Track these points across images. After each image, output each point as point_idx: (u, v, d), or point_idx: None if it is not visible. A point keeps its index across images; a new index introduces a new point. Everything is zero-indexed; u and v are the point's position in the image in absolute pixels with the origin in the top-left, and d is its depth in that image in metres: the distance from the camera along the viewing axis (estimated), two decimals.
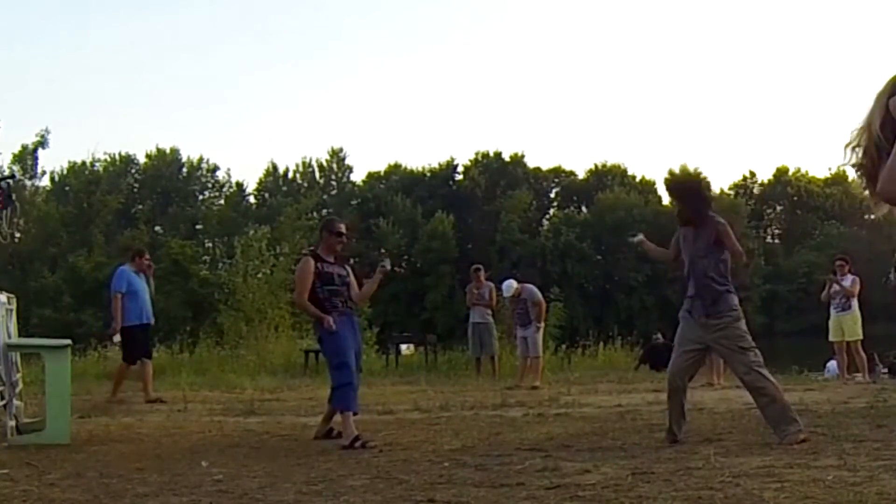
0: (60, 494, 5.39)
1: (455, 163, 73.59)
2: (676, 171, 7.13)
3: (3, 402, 7.79)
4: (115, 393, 11.92)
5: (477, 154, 73.22)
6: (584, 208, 72.14)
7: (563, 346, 20.92)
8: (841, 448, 6.11)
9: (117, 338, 11.96)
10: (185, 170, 72.66)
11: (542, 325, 14.37)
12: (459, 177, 73.47)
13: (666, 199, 72.57)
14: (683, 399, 6.89)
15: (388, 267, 8.21)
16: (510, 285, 14.22)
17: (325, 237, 8.17)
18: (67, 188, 59.04)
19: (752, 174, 78.10)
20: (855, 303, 14.37)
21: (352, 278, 8.21)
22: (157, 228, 64.15)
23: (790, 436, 6.36)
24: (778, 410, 6.56)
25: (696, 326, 6.86)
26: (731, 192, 74.56)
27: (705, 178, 7.13)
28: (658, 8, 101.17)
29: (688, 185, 7.07)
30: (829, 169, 77.07)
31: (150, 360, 12.24)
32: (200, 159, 72.75)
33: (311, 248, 8.14)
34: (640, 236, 7.86)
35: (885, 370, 18.99)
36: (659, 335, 23.14)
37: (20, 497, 5.35)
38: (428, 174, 73.13)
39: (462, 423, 8.69)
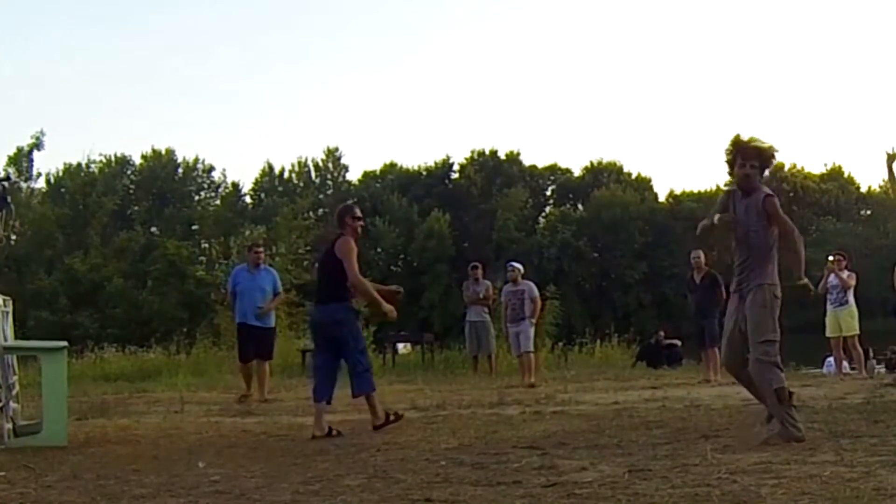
0: (58, 497, 5.39)
1: (451, 161, 73.74)
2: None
3: (0, 404, 7.78)
4: (260, 391, 11.94)
5: (473, 152, 73.38)
6: (580, 206, 72.21)
7: (560, 344, 20.94)
8: (838, 444, 6.11)
9: None
10: (180, 170, 72.64)
11: (535, 321, 14.40)
12: (455, 175, 73.55)
13: (662, 196, 72.87)
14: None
15: (399, 295, 8.62)
16: (519, 266, 14.52)
17: (348, 223, 8.47)
18: (63, 190, 59.01)
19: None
20: (851, 297, 14.33)
21: None
22: (153, 229, 64.18)
23: (781, 438, 6.23)
24: (773, 408, 6.45)
25: (735, 306, 6.60)
26: (728, 188, 74.55)
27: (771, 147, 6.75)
28: (653, 5, 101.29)
29: (756, 148, 6.69)
30: (825, 164, 77.36)
31: (264, 360, 12.17)
32: (196, 160, 72.81)
33: (340, 233, 8.42)
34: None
35: (882, 365, 18.99)
36: (662, 333, 23.17)
37: (17, 499, 5.34)
38: (424, 173, 73.19)
39: (459, 421, 8.69)
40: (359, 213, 8.59)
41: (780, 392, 6.40)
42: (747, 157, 6.66)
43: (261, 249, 13.05)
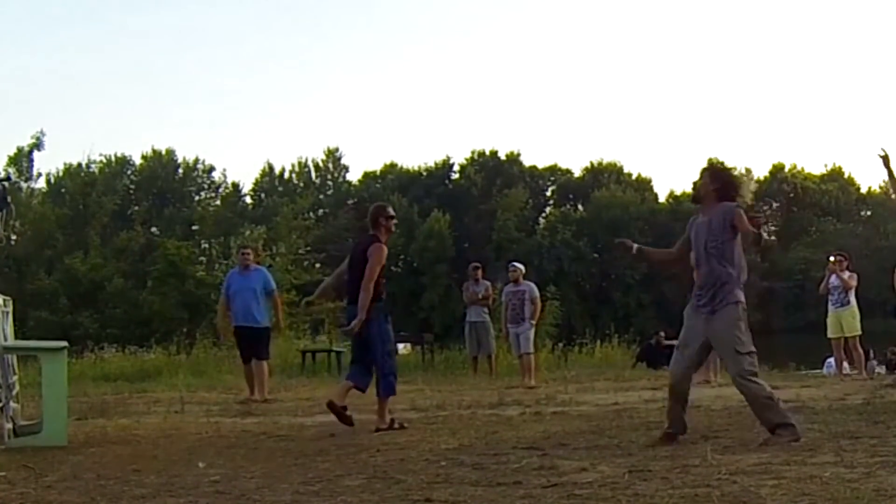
0: (57, 497, 5.39)
1: (451, 162, 73.76)
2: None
3: (0, 404, 7.78)
4: (260, 391, 11.93)
5: (473, 153, 73.43)
6: (580, 206, 72.20)
7: (560, 345, 20.93)
8: (838, 444, 6.11)
9: (222, 338, 12.35)
10: (181, 171, 72.68)
11: (535, 322, 14.40)
12: (455, 175, 73.57)
13: (662, 197, 72.88)
14: (685, 403, 6.82)
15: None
16: (520, 267, 14.60)
17: (381, 222, 8.60)
18: (63, 190, 59.00)
19: (748, 171, 78.03)
20: (853, 298, 14.30)
21: None
22: (153, 229, 64.16)
23: (782, 439, 6.30)
24: (768, 414, 6.48)
25: (699, 321, 6.70)
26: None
27: (739, 181, 7.11)
28: (653, 6, 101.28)
29: (718, 170, 7.06)
30: (826, 165, 77.37)
31: (260, 360, 12.12)
32: (196, 160, 72.87)
33: (373, 234, 8.54)
34: (632, 244, 7.37)
35: (882, 366, 19.00)
36: (662, 333, 23.16)
37: (17, 499, 5.34)
38: (424, 173, 73.20)
39: (459, 422, 8.69)
40: (391, 213, 8.73)
41: (773, 395, 6.59)
42: (701, 175, 6.97)
43: (248, 251, 13.11)
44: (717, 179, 6.87)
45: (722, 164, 7.14)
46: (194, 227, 63.61)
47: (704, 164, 7.16)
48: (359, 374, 8.48)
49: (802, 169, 76.23)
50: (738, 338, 6.56)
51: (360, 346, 8.54)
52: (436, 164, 73.54)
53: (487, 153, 73.01)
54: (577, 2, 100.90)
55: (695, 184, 7.00)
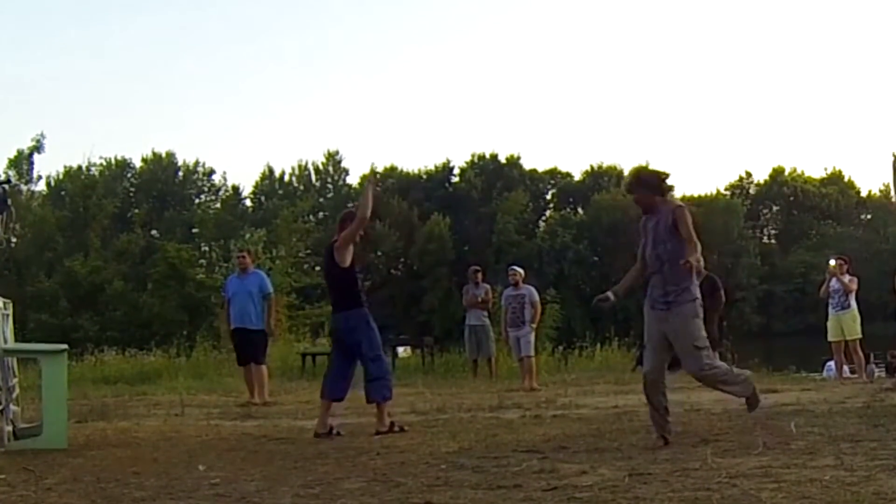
0: (57, 499, 5.39)
1: (451, 165, 73.81)
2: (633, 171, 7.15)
3: (0, 407, 7.78)
4: (259, 394, 11.93)
5: (473, 156, 73.48)
6: (580, 209, 72.20)
7: (560, 348, 20.90)
8: (838, 448, 6.11)
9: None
10: (181, 173, 72.73)
11: (535, 326, 14.39)
12: (455, 179, 73.60)
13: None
14: (663, 398, 6.82)
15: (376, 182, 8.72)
16: (520, 270, 14.59)
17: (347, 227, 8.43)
18: (63, 193, 59.07)
19: (748, 174, 78.18)
20: (853, 301, 14.29)
21: None
22: (153, 232, 64.20)
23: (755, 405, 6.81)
24: (740, 389, 6.92)
25: (655, 319, 6.75)
26: (727, 193, 74.67)
27: (662, 172, 6.97)
28: (654, 9, 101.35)
29: (641, 175, 7.04)
30: (825, 169, 77.44)
31: (259, 364, 12.11)
32: (196, 163, 72.94)
33: (335, 239, 8.45)
34: (609, 296, 7.05)
35: (882, 369, 18.97)
36: None
37: (17, 502, 5.35)
38: (424, 176, 73.23)
39: (459, 425, 8.68)
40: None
41: (730, 370, 7.04)
42: (630, 190, 7.16)
43: (244, 254, 13.17)
44: (649, 185, 6.88)
45: (638, 168, 7.05)
46: (194, 230, 63.61)
47: (626, 178, 7.09)
48: (332, 385, 8.36)
49: (802, 172, 76.33)
50: (695, 334, 6.65)
51: (340, 354, 8.49)
52: (436, 167, 73.67)
53: (487, 156, 73.09)
54: (577, 4, 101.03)
55: (636, 200, 6.97)
